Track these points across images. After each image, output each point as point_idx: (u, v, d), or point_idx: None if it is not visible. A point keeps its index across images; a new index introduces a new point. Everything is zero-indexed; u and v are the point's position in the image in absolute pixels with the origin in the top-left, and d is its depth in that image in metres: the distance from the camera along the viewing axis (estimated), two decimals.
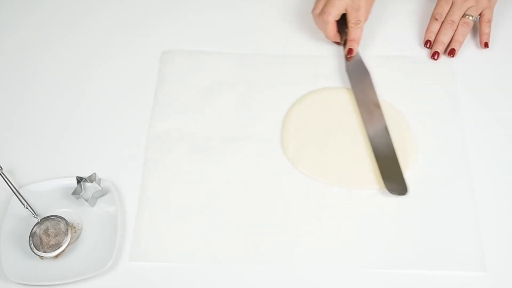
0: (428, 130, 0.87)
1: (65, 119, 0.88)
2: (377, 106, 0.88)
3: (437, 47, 0.93)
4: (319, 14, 0.92)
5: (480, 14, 0.95)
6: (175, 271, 0.76)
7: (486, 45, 0.94)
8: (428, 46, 0.94)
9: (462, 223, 0.79)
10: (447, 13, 0.95)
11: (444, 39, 0.94)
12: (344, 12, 0.91)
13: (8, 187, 0.78)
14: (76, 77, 0.92)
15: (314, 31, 0.96)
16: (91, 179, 0.80)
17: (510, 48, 0.96)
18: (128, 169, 0.83)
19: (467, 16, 0.94)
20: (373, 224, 0.79)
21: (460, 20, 0.94)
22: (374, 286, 0.75)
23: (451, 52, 0.93)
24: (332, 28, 0.92)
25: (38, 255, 0.75)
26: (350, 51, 0.92)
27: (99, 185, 0.80)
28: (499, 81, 0.92)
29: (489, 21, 0.94)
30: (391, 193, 0.80)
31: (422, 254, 0.76)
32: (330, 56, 0.94)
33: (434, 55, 0.93)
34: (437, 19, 0.95)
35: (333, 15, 0.90)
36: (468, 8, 0.94)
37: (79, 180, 0.79)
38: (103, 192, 0.80)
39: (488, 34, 0.94)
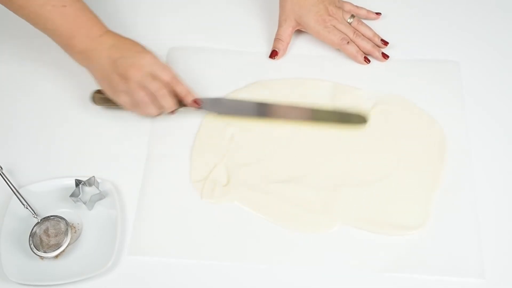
0: None
1: (66, 118, 0.88)
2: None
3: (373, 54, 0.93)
4: None
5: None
6: (174, 271, 0.76)
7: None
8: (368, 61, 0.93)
9: (462, 228, 0.78)
10: (346, 32, 0.93)
11: (364, 44, 0.93)
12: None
13: (8, 187, 0.79)
14: (81, 75, 0.91)
15: None
16: (89, 182, 0.80)
17: None
18: (128, 168, 0.83)
19: (350, 20, 0.94)
20: None
21: (352, 26, 0.94)
22: None
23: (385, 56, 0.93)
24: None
25: (38, 255, 0.75)
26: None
27: (98, 188, 0.80)
28: (505, 84, 0.91)
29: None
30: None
31: (421, 259, 0.76)
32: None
33: (366, 60, 0.93)
34: (348, 43, 0.93)
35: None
36: (347, 17, 0.94)
37: (78, 183, 0.79)
38: (101, 196, 0.80)
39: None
